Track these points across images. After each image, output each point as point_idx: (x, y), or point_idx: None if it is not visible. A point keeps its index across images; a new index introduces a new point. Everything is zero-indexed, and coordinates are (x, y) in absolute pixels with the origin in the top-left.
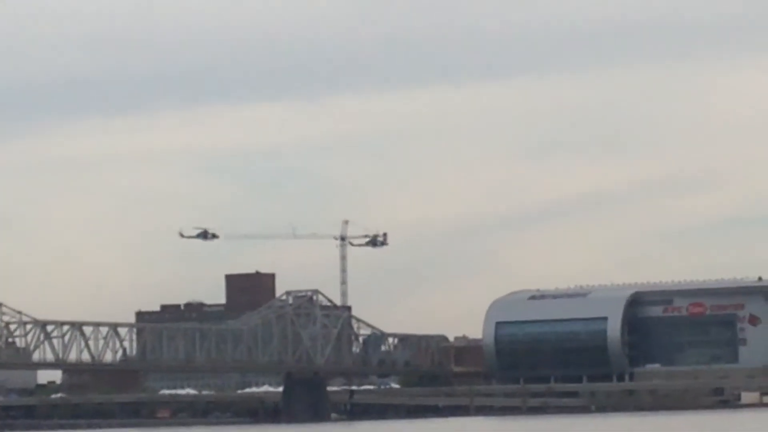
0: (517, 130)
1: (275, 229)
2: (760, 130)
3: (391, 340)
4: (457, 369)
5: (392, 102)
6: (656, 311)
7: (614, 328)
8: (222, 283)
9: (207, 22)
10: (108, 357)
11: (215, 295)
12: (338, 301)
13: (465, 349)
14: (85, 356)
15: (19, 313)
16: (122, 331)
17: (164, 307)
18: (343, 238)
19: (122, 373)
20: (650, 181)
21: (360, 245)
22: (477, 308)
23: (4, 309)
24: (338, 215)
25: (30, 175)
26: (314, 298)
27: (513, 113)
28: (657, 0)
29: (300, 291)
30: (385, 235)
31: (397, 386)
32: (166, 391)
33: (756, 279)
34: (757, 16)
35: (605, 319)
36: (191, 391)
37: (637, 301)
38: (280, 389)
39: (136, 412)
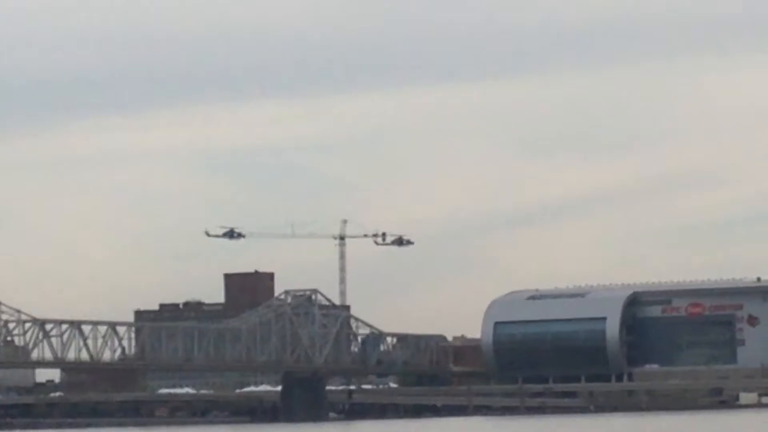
0: (516, 129)
1: (274, 228)
2: (760, 130)
3: (389, 339)
4: (455, 369)
5: (392, 100)
6: (655, 311)
7: (613, 328)
8: (221, 283)
9: (206, 20)
10: (107, 356)
11: (214, 294)
12: (337, 301)
13: (463, 349)
14: (84, 355)
15: (18, 311)
16: (121, 330)
17: (163, 306)
18: (342, 238)
19: (121, 372)
20: (649, 181)
21: (386, 244)
22: (476, 308)
23: (2, 307)
24: (337, 214)
25: (28, 172)
26: (313, 297)
27: (513, 112)
28: None
29: (299, 290)
30: (406, 240)
31: (395, 386)
32: (165, 390)
33: (755, 279)
34: (759, 15)
35: (604, 319)
36: (190, 390)
37: (635, 301)
38: (279, 388)
39: (134, 411)
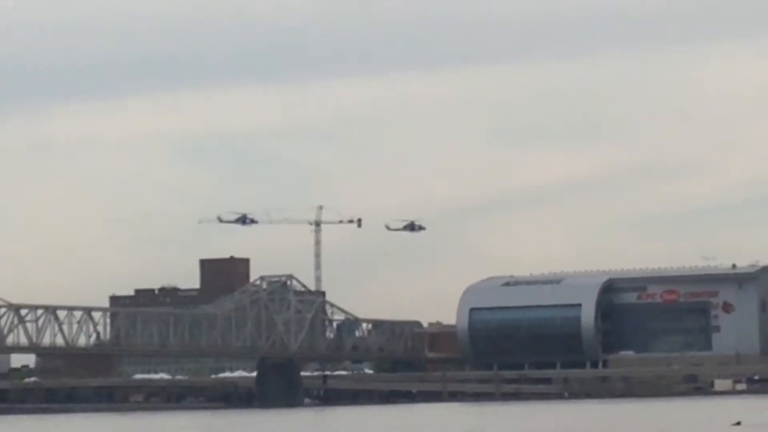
0: (493, 116)
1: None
2: (735, 119)
3: (364, 325)
4: (430, 355)
5: (368, 88)
6: (630, 298)
7: (588, 315)
8: (196, 268)
9: (183, 7)
10: (82, 341)
11: (189, 279)
12: (312, 287)
13: (439, 335)
14: (59, 340)
15: None
16: (96, 315)
17: (138, 292)
18: (317, 224)
19: (96, 358)
20: (625, 169)
21: (397, 230)
22: (451, 294)
23: None
24: (313, 200)
25: (1, 159)
26: (288, 283)
27: (490, 100)
28: None
29: (274, 276)
30: (418, 225)
31: (370, 372)
32: (140, 376)
33: (730, 267)
34: (736, 4)
35: (579, 305)
36: (165, 376)
37: (611, 287)
38: (254, 374)
39: (109, 396)
